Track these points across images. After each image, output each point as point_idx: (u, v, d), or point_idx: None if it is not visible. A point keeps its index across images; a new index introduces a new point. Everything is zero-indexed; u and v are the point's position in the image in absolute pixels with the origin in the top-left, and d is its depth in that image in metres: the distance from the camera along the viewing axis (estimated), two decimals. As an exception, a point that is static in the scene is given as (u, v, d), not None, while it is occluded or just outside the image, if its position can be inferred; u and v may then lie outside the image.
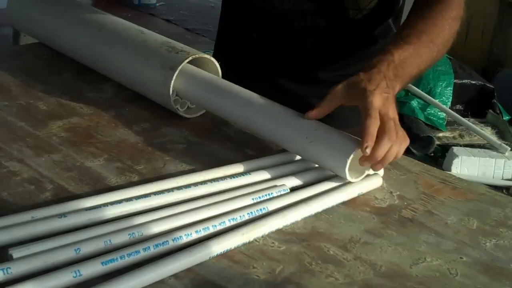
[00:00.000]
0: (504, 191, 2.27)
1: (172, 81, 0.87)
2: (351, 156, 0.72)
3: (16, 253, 0.57)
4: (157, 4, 5.18)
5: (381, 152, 0.72)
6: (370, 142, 0.71)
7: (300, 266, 0.62)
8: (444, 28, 0.89)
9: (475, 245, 0.68)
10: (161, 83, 0.88)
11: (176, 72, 0.87)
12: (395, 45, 0.84)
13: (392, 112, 0.75)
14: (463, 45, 3.48)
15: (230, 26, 1.14)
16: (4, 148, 0.78)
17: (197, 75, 0.89)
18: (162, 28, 4.62)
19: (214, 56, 0.98)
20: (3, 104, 0.91)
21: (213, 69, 0.92)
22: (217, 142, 0.86)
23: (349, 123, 1.07)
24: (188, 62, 0.89)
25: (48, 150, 0.79)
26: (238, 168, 0.77)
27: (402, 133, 0.75)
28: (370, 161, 0.73)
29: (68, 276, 0.55)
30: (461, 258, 0.66)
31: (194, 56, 0.89)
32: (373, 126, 0.72)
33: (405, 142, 0.75)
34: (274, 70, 1.05)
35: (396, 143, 0.73)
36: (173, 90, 0.88)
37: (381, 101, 0.75)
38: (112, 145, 0.82)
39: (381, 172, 0.79)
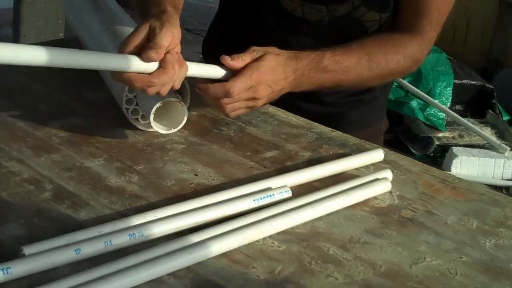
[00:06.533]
0: (504, 191, 2.27)
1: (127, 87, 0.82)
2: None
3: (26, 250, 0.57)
4: (157, 4, 5.17)
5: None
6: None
7: (300, 266, 0.62)
8: (390, 62, 0.92)
9: (474, 245, 0.68)
10: (120, 87, 0.84)
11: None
12: (333, 51, 0.88)
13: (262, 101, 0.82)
14: (463, 45, 3.48)
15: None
16: (4, 148, 0.78)
17: None
18: (162, 28, 4.62)
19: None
20: (3, 104, 0.91)
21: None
22: (216, 142, 0.86)
23: (358, 127, 1.07)
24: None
25: (48, 150, 0.79)
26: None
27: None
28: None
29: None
30: (460, 258, 0.66)
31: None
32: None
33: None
34: None
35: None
36: (129, 98, 0.84)
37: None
38: (112, 145, 0.82)
39: (389, 176, 0.79)
